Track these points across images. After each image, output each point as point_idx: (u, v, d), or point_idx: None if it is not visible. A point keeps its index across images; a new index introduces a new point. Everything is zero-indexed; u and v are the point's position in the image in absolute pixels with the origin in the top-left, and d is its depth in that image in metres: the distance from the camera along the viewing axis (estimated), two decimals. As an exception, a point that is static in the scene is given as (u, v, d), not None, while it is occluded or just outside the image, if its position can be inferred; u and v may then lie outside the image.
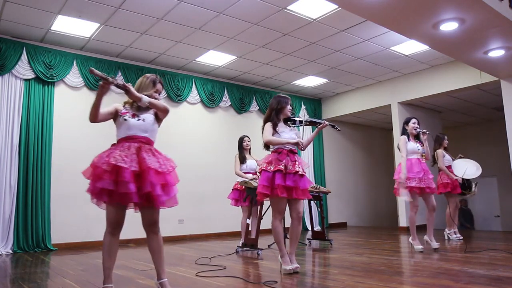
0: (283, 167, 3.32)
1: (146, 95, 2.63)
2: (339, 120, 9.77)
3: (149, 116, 2.64)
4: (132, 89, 2.50)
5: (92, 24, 5.57)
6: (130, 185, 2.37)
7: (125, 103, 2.70)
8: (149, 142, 2.62)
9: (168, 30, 5.80)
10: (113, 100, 2.87)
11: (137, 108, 2.65)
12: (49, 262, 4.63)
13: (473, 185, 5.68)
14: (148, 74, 2.81)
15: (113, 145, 2.58)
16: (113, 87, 2.48)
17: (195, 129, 7.67)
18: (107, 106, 2.62)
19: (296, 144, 3.47)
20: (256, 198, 4.87)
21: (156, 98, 2.71)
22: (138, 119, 2.60)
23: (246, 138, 5.50)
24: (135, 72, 6.86)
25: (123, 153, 2.45)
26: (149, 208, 2.52)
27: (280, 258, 3.43)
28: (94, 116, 2.53)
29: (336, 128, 3.81)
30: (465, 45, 5.33)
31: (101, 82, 2.42)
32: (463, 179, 5.52)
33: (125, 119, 2.59)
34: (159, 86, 2.76)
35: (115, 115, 2.65)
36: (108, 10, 5.17)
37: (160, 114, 2.69)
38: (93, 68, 2.32)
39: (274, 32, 5.95)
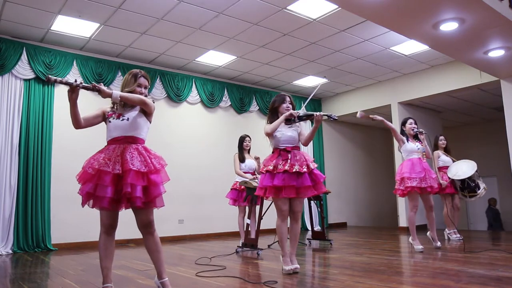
0: (271, 168, 3.37)
1: (128, 91, 2.56)
2: (339, 120, 9.76)
3: (133, 114, 2.57)
4: (102, 87, 2.37)
5: (92, 24, 5.57)
6: (108, 189, 2.36)
7: (113, 103, 2.64)
8: (136, 141, 2.55)
9: (168, 30, 5.80)
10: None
11: (122, 107, 2.60)
12: (49, 262, 4.62)
13: (481, 188, 5.33)
14: (132, 70, 2.69)
15: (105, 147, 2.57)
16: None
17: (195, 129, 7.66)
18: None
19: (289, 118, 3.41)
20: (256, 198, 4.91)
21: (141, 93, 2.60)
22: (123, 119, 2.55)
23: (247, 138, 5.48)
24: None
25: (107, 156, 2.44)
26: (142, 210, 2.48)
27: (281, 258, 3.44)
28: (76, 123, 2.49)
29: (333, 118, 3.48)
30: (465, 45, 5.33)
31: (68, 89, 2.33)
32: (464, 180, 5.43)
33: (110, 121, 2.57)
34: (141, 80, 2.62)
35: (103, 118, 2.62)
36: (108, 10, 5.17)
37: (145, 109, 2.59)
38: (50, 76, 2.21)
39: (274, 32, 5.95)
